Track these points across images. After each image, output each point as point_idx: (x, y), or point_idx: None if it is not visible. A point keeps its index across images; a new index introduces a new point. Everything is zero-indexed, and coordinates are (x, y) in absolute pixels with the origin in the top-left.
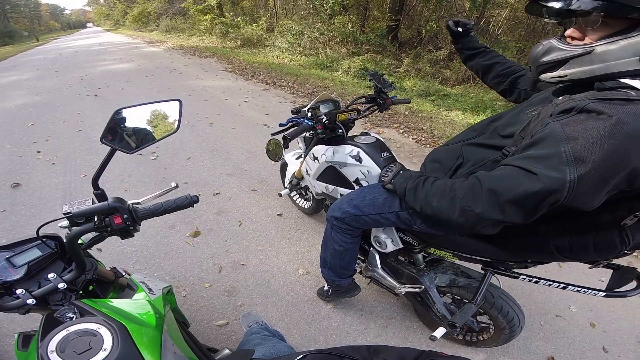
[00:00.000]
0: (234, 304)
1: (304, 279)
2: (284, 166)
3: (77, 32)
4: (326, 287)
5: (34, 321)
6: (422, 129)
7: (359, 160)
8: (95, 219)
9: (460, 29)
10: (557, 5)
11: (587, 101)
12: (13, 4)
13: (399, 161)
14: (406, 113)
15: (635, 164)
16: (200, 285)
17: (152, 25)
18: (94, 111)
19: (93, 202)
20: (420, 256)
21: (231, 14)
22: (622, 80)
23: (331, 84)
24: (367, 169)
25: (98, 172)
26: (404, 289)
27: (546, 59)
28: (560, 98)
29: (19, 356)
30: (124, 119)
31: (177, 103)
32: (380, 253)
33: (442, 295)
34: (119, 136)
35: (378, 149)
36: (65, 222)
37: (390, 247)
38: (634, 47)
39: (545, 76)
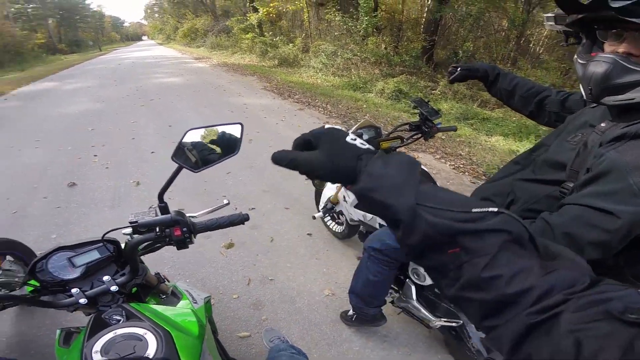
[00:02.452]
0: (258, 318)
1: (329, 300)
2: (319, 189)
3: (133, 44)
4: (351, 312)
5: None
6: (460, 154)
7: None
8: (157, 230)
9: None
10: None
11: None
12: (82, 15)
13: None
14: (443, 137)
15: None
16: (228, 295)
17: (199, 41)
18: (146, 121)
19: (156, 214)
20: None
21: (270, 33)
22: None
23: (364, 106)
24: None
25: (165, 186)
26: (439, 322)
27: (619, 80)
28: (602, 124)
29: (59, 352)
30: (191, 139)
31: (239, 126)
32: (417, 285)
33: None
34: (185, 155)
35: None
36: (129, 230)
37: (429, 281)
38: None
39: (609, 99)
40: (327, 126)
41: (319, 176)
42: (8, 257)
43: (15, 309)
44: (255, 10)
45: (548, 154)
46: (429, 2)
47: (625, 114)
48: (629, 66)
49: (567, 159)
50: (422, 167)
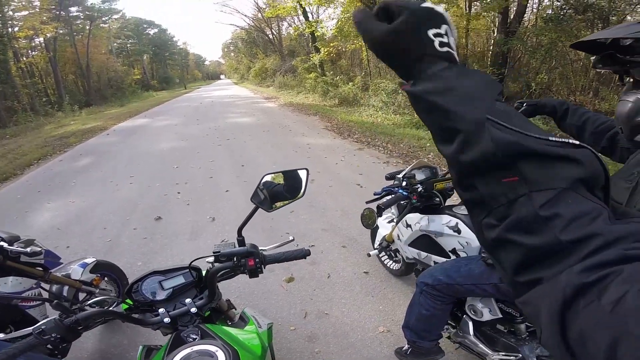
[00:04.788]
0: (312, 350)
1: (383, 337)
2: (374, 228)
3: (213, 82)
4: (406, 347)
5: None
6: None
7: (458, 231)
8: (235, 259)
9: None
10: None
11: None
12: (171, 52)
13: None
14: None
15: None
16: (286, 326)
17: (269, 81)
18: (222, 160)
19: (234, 246)
20: (523, 326)
21: (331, 72)
22: None
23: (427, 144)
24: (465, 240)
25: (244, 223)
26: (497, 356)
27: None
28: None
29: None
30: (266, 182)
31: (305, 172)
32: (474, 321)
33: None
34: (259, 195)
35: None
36: (212, 258)
37: (487, 317)
38: None
39: None
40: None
41: (376, 50)
42: (105, 278)
43: (98, 329)
44: (317, 50)
45: None
46: (495, 35)
47: None
48: None
49: (622, 199)
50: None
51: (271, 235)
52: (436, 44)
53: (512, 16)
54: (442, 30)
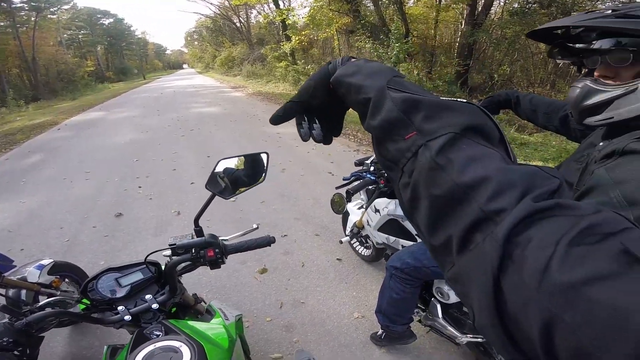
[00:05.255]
0: (290, 340)
1: (359, 322)
2: (345, 215)
3: (175, 72)
4: (380, 332)
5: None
6: None
7: None
8: (193, 251)
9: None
10: (579, 46)
11: (627, 141)
12: (128, 42)
13: None
14: None
15: None
16: (262, 318)
17: (236, 69)
18: (186, 152)
19: (192, 237)
20: None
21: (302, 61)
22: None
23: None
24: None
25: (200, 212)
26: (465, 338)
27: (589, 102)
28: (601, 143)
29: None
30: (220, 168)
31: (265, 155)
32: (442, 304)
33: None
34: (217, 183)
35: None
36: (169, 252)
37: (453, 299)
38: None
39: (589, 120)
40: None
41: (305, 96)
42: (66, 279)
43: (67, 331)
44: (288, 38)
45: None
46: (462, 27)
47: (615, 132)
48: (597, 87)
49: (574, 180)
50: None
51: (240, 227)
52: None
53: (479, 8)
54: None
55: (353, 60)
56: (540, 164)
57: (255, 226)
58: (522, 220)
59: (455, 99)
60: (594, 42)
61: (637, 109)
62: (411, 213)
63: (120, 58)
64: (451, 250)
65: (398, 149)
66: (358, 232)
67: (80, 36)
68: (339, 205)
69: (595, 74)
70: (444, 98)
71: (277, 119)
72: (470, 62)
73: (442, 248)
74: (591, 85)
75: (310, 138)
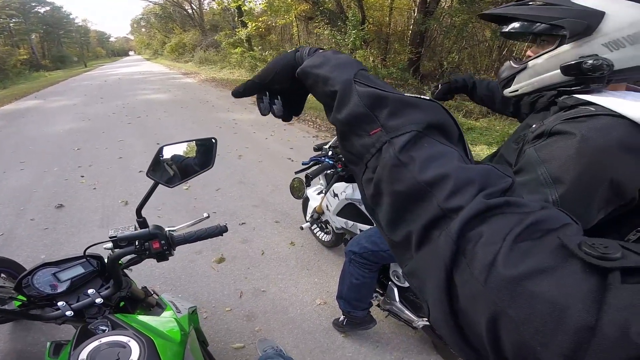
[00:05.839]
0: (252, 329)
1: (321, 309)
2: (305, 200)
3: (120, 59)
4: (342, 318)
5: (60, 332)
6: None
7: None
8: (137, 243)
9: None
10: (504, 29)
11: (554, 123)
12: (66, 30)
13: None
14: None
15: (612, 175)
16: (221, 308)
17: (187, 56)
18: (134, 139)
19: (135, 229)
20: None
21: (259, 47)
22: (579, 96)
23: None
24: None
25: (142, 202)
26: (421, 322)
27: (502, 75)
28: (534, 125)
29: None
30: (167, 155)
31: (213, 141)
32: (399, 287)
33: None
34: (161, 170)
35: None
36: (110, 244)
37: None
38: (554, 59)
39: (505, 92)
40: None
41: (266, 79)
42: (2, 275)
43: (10, 327)
44: (244, 24)
45: (499, 157)
46: (415, 15)
47: (545, 113)
48: (512, 64)
49: (512, 160)
50: None
51: (195, 217)
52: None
53: None
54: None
55: (320, 51)
56: (485, 147)
57: (206, 215)
58: (474, 217)
59: (418, 96)
60: (506, 26)
61: (531, 84)
62: (373, 209)
63: (58, 46)
64: (410, 246)
65: (363, 144)
66: (318, 218)
67: (11, 24)
68: (298, 190)
69: (528, 53)
70: (408, 94)
71: (237, 94)
72: (422, 50)
73: (402, 244)
74: (510, 62)
75: (270, 113)
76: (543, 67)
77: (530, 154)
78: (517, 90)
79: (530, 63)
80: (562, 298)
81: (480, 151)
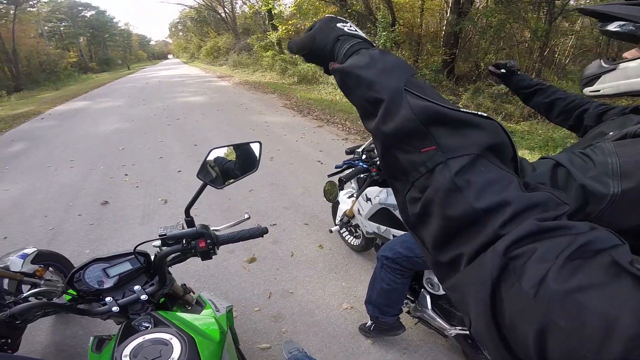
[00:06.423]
0: (279, 330)
1: (347, 313)
2: (335, 204)
3: (159, 62)
4: (369, 323)
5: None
6: None
7: None
8: (184, 242)
9: (503, 71)
10: (606, 27)
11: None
12: (111, 33)
13: None
14: None
15: None
16: (250, 308)
17: (222, 59)
18: (173, 140)
19: (183, 227)
20: None
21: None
22: None
23: None
24: None
25: (191, 202)
26: (454, 330)
27: (587, 72)
28: (611, 133)
29: (92, 358)
30: (215, 157)
31: (258, 144)
32: (432, 295)
33: None
34: (209, 172)
35: None
36: (158, 242)
37: (443, 290)
38: None
39: (585, 90)
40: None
41: (304, 53)
42: (50, 269)
43: (51, 320)
44: (275, 28)
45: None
46: (447, 16)
47: (623, 120)
48: (602, 63)
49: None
50: None
51: (229, 217)
52: (345, 29)
53: None
54: (347, 24)
55: (364, 50)
56: (527, 152)
57: (246, 216)
58: (525, 237)
59: (476, 113)
60: (609, 25)
61: (616, 87)
62: (416, 227)
63: (104, 49)
64: (458, 268)
65: (410, 161)
66: (348, 222)
67: (61, 28)
68: (330, 194)
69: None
70: (464, 110)
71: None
72: (457, 51)
73: (448, 264)
74: (600, 61)
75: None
76: (635, 71)
77: (605, 146)
78: (599, 91)
79: (622, 65)
80: (613, 310)
81: (522, 156)
